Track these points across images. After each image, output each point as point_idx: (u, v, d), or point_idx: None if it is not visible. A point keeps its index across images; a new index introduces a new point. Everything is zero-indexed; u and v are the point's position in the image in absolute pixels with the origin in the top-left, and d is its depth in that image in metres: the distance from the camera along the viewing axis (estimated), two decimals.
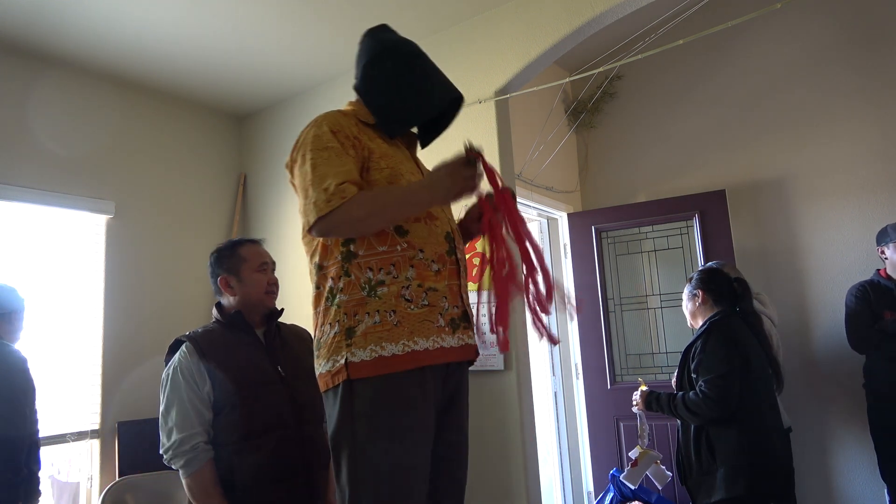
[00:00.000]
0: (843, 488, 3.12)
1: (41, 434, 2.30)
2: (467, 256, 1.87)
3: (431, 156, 1.70)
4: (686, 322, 2.58)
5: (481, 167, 1.46)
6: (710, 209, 3.47)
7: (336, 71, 3.45)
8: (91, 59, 3.14)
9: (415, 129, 1.73)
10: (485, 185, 1.51)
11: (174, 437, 1.72)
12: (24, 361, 2.26)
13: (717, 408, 2.18)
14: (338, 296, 1.45)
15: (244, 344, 1.88)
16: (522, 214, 1.58)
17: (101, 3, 2.67)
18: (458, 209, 1.65)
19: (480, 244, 1.58)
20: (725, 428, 2.21)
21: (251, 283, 1.92)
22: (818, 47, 3.40)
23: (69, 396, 3.04)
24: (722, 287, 2.44)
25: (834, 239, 3.28)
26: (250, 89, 3.64)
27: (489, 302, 1.53)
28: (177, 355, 1.83)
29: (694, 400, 2.23)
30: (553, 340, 1.59)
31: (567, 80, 3.80)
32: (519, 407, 2.64)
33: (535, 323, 1.54)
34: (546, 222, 3.94)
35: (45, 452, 2.39)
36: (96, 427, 3.06)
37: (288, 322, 2.12)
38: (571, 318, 1.53)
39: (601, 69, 3.05)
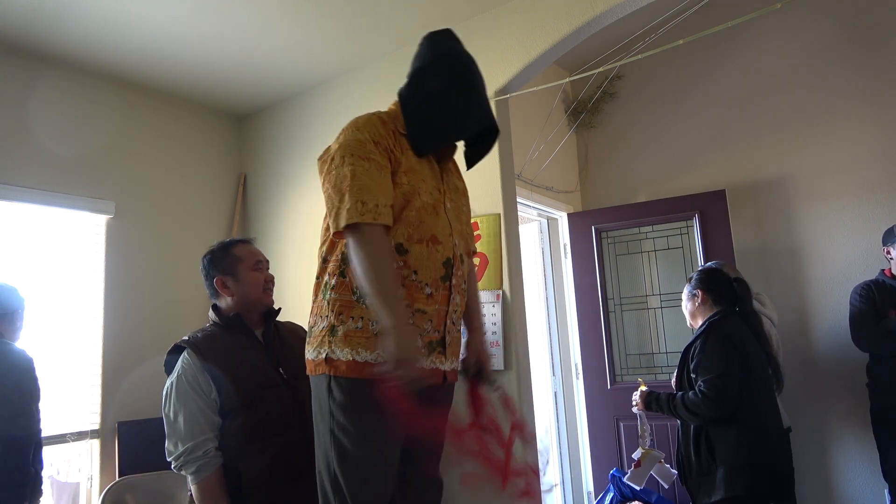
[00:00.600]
0: (843, 488, 3.12)
1: (42, 434, 2.31)
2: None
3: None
4: (686, 322, 2.58)
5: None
6: (710, 209, 3.47)
7: (336, 71, 3.45)
8: (91, 59, 3.14)
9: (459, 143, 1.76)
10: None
11: (186, 444, 1.71)
12: (30, 362, 2.26)
13: (716, 408, 2.18)
14: (330, 292, 1.52)
15: (244, 347, 1.87)
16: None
17: (101, 3, 2.67)
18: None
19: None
20: (725, 428, 2.21)
21: (248, 282, 1.92)
22: (818, 47, 3.40)
23: (69, 396, 3.04)
24: (721, 287, 2.44)
25: (834, 239, 3.28)
26: (250, 89, 3.64)
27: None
28: (179, 363, 1.81)
29: (693, 400, 2.23)
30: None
31: (567, 80, 3.80)
32: (519, 407, 2.64)
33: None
34: (546, 222, 3.94)
35: (45, 452, 2.39)
36: (96, 427, 3.05)
37: (286, 321, 2.12)
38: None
39: (601, 69, 3.05)
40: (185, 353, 1.82)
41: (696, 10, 2.87)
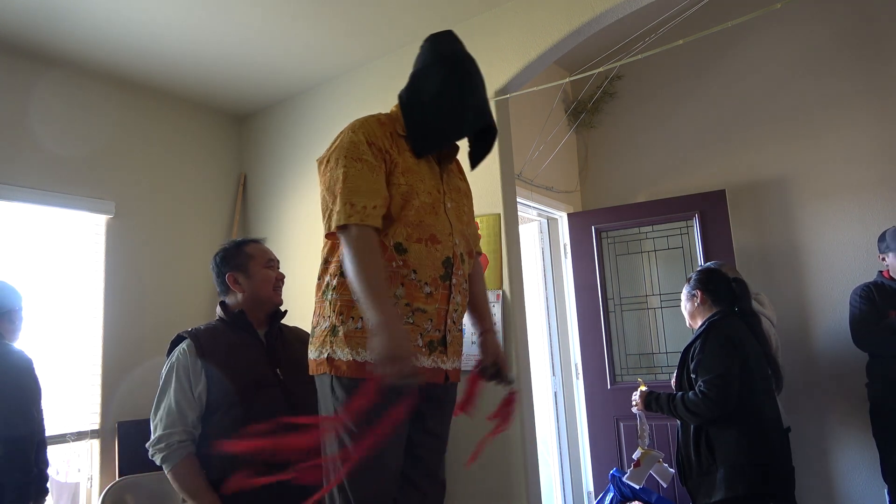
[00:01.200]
0: (843, 488, 3.12)
1: (45, 433, 2.32)
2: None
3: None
4: (686, 322, 2.58)
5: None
6: (710, 209, 3.47)
7: (336, 71, 3.45)
8: (91, 59, 3.14)
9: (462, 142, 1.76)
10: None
11: (156, 432, 1.78)
12: (29, 362, 2.27)
13: (715, 408, 2.18)
14: (332, 293, 1.54)
15: (245, 344, 1.89)
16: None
17: (101, 3, 2.67)
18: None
19: None
20: (725, 428, 2.21)
21: (259, 279, 1.95)
22: (818, 47, 3.40)
23: (69, 396, 3.04)
24: (720, 287, 2.44)
25: (834, 239, 3.28)
26: (250, 89, 3.64)
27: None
28: (176, 351, 1.85)
29: (693, 400, 2.23)
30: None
31: (567, 80, 3.80)
32: (519, 407, 2.64)
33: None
34: (546, 222, 3.94)
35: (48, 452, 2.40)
36: (96, 427, 3.05)
37: (291, 321, 2.13)
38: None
39: (601, 69, 3.04)
40: (182, 344, 1.85)
41: (696, 10, 2.87)
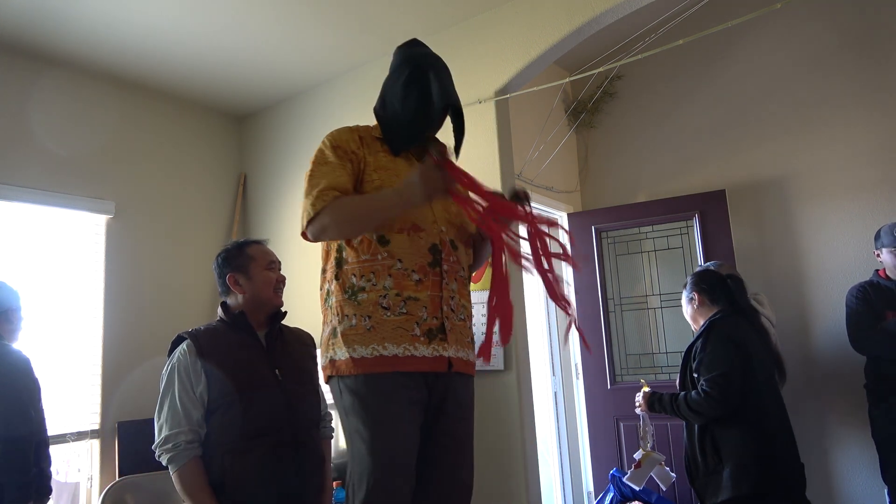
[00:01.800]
0: (843, 488, 3.12)
1: (47, 433, 2.32)
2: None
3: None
4: (687, 322, 2.58)
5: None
6: (710, 209, 3.47)
7: (336, 71, 3.45)
8: (91, 59, 3.14)
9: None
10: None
11: (162, 433, 1.78)
12: (27, 361, 2.27)
13: (718, 406, 2.18)
14: (330, 298, 1.59)
15: (245, 345, 1.89)
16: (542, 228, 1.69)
17: (101, 3, 2.67)
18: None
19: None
20: (729, 427, 2.21)
21: (260, 281, 1.95)
22: (818, 47, 3.40)
23: (69, 396, 3.04)
24: (715, 286, 2.45)
25: (834, 239, 3.28)
26: (250, 89, 3.64)
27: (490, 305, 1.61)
28: (176, 352, 1.85)
29: (696, 399, 2.23)
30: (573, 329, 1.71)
31: (567, 80, 3.80)
32: (519, 407, 2.64)
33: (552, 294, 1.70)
34: None
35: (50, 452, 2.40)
36: (96, 427, 3.06)
37: (292, 322, 2.13)
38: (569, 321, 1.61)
39: (601, 69, 3.04)
40: (183, 345, 1.86)
41: (696, 11, 2.87)
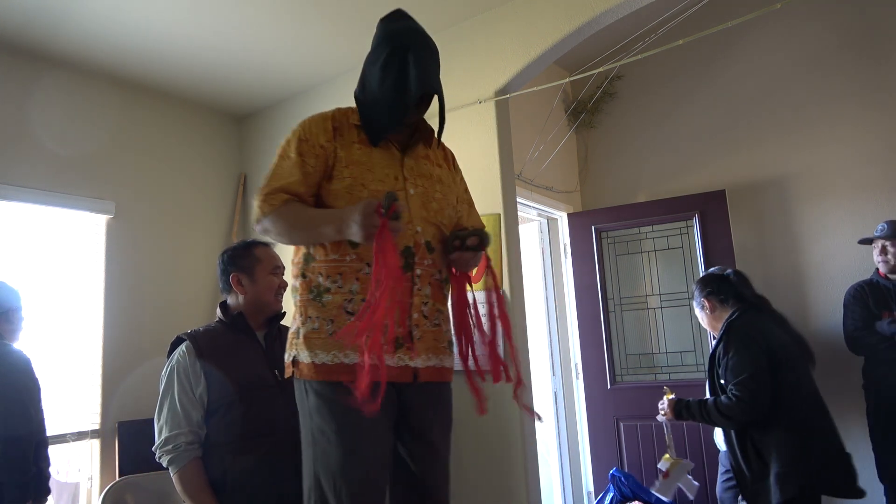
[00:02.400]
0: None
1: (46, 433, 2.32)
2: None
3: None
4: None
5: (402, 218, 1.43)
6: (710, 209, 3.47)
7: (336, 71, 3.45)
8: (91, 59, 3.14)
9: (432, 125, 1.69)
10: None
11: (162, 434, 1.78)
12: (27, 361, 2.27)
13: (750, 409, 2.14)
14: (297, 295, 1.53)
15: (244, 346, 1.89)
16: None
17: (101, 3, 2.67)
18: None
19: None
20: (767, 430, 2.15)
21: (263, 284, 1.95)
22: (818, 48, 3.40)
23: (69, 396, 3.04)
24: (721, 286, 2.43)
25: (834, 239, 3.28)
26: (250, 89, 3.64)
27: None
28: (175, 353, 1.86)
29: (726, 404, 2.18)
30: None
31: (567, 80, 3.80)
32: (519, 407, 2.64)
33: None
34: (546, 222, 3.94)
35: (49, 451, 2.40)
36: (96, 427, 3.06)
37: (290, 323, 2.12)
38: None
39: (601, 69, 3.05)
40: (182, 346, 1.86)
41: (695, 10, 2.87)
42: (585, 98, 3.99)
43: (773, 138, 3.49)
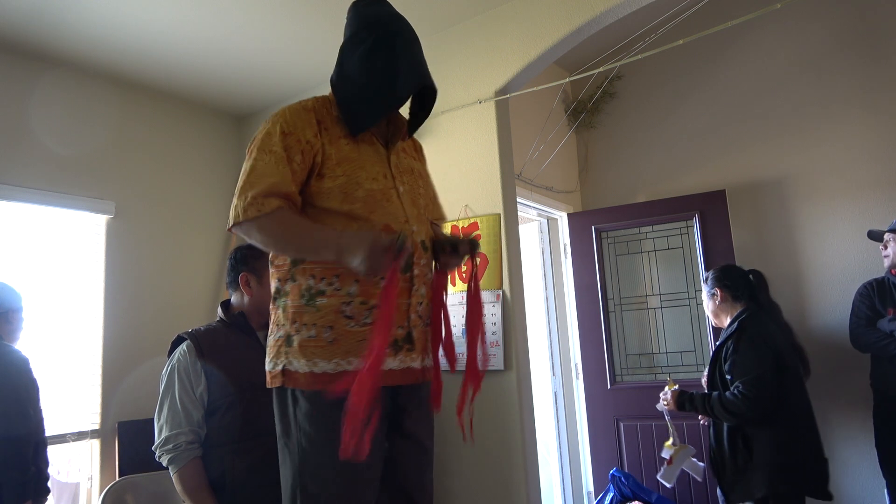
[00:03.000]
0: (843, 487, 3.12)
1: (45, 433, 2.32)
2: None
3: (437, 153, 1.67)
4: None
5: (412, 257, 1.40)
6: (710, 209, 3.47)
7: None
8: (91, 59, 3.14)
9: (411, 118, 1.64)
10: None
11: (162, 434, 1.77)
12: (25, 361, 2.27)
13: (755, 408, 2.19)
14: (283, 298, 1.43)
15: (244, 346, 1.89)
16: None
17: (101, 3, 2.67)
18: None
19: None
20: (762, 427, 2.22)
21: (269, 290, 1.94)
22: (818, 47, 3.40)
23: (69, 396, 3.04)
24: (738, 281, 2.46)
25: (833, 239, 3.28)
26: (250, 89, 3.64)
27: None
28: (176, 353, 1.86)
29: (732, 400, 2.23)
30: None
31: (567, 80, 3.80)
32: (519, 407, 2.64)
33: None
34: (546, 222, 3.94)
35: (48, 451, 2.40)
36: (96, 427, 3.06)
37: None
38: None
39: (601, 69, 3.04)
40: (183, 345, 1.86)
41: (696, 10, 2.87)
42: (585, 98, 3.99)
43: (773, 138, 3.49)
